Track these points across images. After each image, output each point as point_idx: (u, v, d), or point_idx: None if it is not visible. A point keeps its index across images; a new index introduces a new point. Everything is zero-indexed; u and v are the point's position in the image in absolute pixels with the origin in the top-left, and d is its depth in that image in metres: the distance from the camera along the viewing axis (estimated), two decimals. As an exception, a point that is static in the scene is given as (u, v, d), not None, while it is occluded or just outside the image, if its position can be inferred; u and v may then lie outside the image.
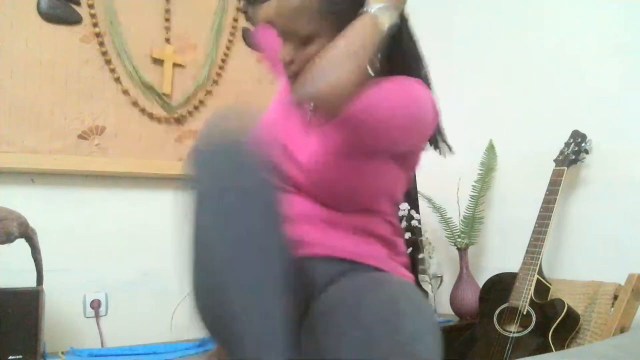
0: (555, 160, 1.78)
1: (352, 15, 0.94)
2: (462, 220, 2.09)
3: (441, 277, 2.07)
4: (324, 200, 1.03)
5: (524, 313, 1.61)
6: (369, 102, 0.90)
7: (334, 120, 0.91)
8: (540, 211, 1.71)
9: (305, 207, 1.02)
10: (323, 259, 0.99)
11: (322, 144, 1.02)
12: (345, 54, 0.87)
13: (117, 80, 2.06)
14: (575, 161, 1.76)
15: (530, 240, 1.70)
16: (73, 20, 2.00)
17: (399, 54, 1.02)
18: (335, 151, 1.00)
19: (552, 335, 1.53)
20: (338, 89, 0.85)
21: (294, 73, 1.01)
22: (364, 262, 1.01)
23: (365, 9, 0.92)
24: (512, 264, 1.74)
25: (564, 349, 1.53)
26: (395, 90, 0.97)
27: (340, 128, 0.96)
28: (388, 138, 0.97)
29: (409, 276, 1.07)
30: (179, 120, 2.18)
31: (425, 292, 2.03)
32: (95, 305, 1.94)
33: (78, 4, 2.00)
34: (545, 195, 1.72)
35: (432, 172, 2.22)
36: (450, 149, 1.12)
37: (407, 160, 1.08)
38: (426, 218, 2.17)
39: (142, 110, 2.10)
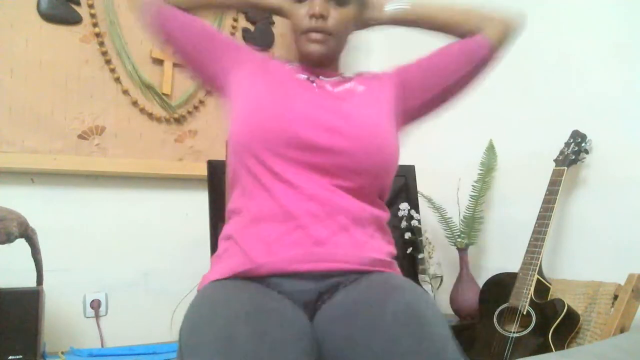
0: (555, 160, 1.78)
1: None
2: (462, 220, 2.09)
3: (441, 277, 2.06)
4: (358, 172, 1.00)
5: (524, 313, 1.61)
6: None
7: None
8: (540, 211, 1.71)
9: (334, 197, 0.99)
10: (335, 271, 0.95)
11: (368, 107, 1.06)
12: None
13: (117, 80, 2.06)
14: (575, 161, 1.76)
15: (530, 240, 1.70)
16: (73, 20, 2.00)
17: None
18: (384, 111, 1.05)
19: (552, 335, 1.53)
20: None
21: (324, 30, 1.04)
22: (372, 269, 0.98)
23: None
24: (512, 264, 1.74)
25: (564, 349, 1.53)
26: None
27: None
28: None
29: (398, 271, 1.05)
30: (179, 120, 2.18)
31: (425, 292, 2.03)
32: (95, 305, 1.94)
33: (78, 4, 2.00)
34: (545, 195, 1.72)
35: (432, 172, 2.23)
36: None
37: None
38: (426, 218, 2.17)
39: (142, 110, 2.10)
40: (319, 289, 0.93)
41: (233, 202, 1.05)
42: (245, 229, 0.99)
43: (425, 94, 1.14)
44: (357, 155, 1.00)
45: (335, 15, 1.05)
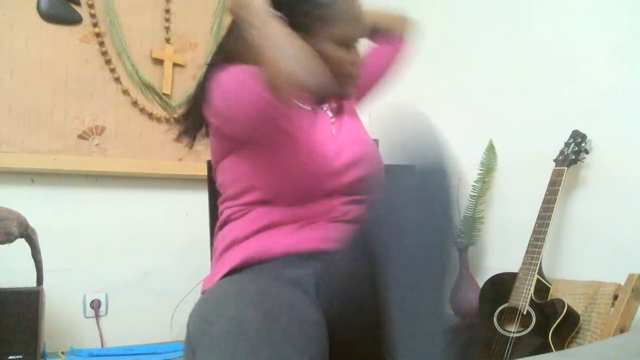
0: (555, 160, 1.77)
1: None
2: (462, 220, 2.09)
3: (441, 277, 2.06)
4: (372, 187, 1.08)
5: (524, 313, 1.61)
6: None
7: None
8: (540, 211, 1.71)
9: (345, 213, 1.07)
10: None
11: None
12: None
13: (117, 80, 2.06)
14: (575, 161, 1.75)
15: (530, 240, 1.70)
16: (73, 20, 2.00)
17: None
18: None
19: (552, 335, 1.53)
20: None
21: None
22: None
23: None
24: (512, 264, 1.74)
25: (564, 349, 1.53)
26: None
27: None
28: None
29: None
30: (179, 120, 2.18)
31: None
32: (95, 305, 1.94)
33: (78, 4, 2.00)
34: (545, 195, 1.72)
35: (432, 172, 2.23)
36: None
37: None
38: (426, 218, 2.17)
39: (142, 110, 2.10)
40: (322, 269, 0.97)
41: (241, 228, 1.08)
42: (251, 233, 1.05)
43: (363, 94, 1.28)
44: (377, 172, 1.12)
45: None
